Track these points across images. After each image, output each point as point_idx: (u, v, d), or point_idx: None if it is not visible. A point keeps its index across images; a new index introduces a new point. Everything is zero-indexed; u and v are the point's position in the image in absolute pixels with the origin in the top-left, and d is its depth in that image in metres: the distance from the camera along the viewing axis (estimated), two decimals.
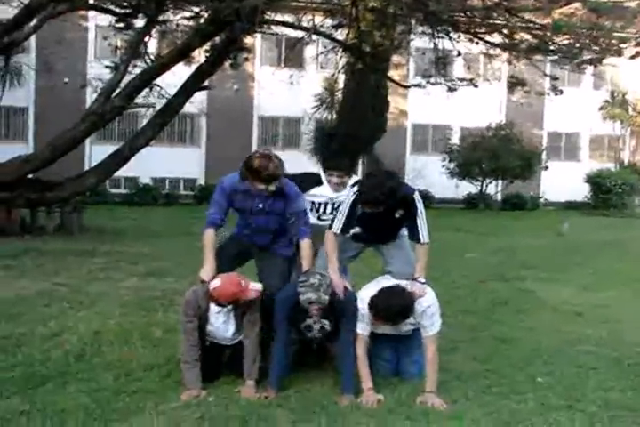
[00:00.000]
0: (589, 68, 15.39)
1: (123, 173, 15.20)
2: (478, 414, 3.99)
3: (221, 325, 4.46)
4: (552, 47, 13.43)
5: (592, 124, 27.14)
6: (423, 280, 4.48)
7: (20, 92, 21.33)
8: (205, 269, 4.52)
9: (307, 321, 4.31)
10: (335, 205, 5.03)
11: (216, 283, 4.33)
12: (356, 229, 4.62)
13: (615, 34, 13.05)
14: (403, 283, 4.43)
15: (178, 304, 6.29)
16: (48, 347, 5.09)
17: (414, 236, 4.54)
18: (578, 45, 12.95)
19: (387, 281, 4.52)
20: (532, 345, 5.61)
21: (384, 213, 4.37)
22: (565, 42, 13.11)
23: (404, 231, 4.69)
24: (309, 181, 5.16)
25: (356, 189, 4.47)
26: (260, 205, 4.65)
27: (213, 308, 4.40)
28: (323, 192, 5.15)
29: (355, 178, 5.27)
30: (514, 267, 10.01)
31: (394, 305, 4.18)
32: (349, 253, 4.85)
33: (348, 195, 4.56)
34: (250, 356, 4.39)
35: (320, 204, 5.13)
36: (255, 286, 4.36)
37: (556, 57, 14.03)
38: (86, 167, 17.00)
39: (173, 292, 7.17)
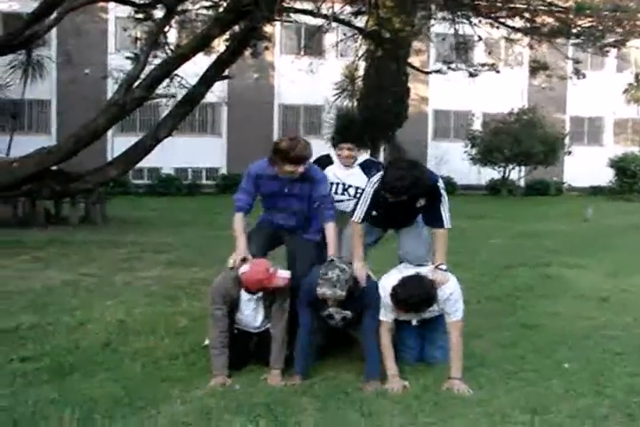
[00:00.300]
0: (613, 51, 15.16)
1: (145, 163, 15.28)
2: (504, 401, 3.98)
3: (251, 312, 4.49)
4: (574, 30, 13.27)
5: (616, 108, 26.84)
6: (445, 267, 4.46)
7: (42, 85, 21.54)
8: (238, 252, 4.55)
9: (328, 310, 4.32)
10: (345, 186, 5.02)
11: (245, 268, 4.35)
12: (374, 213, 4.58)
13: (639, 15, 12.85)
14: (424, 271, 4.42)
15: (202, 293, 6.36)
16: (75, 337, 5.14)
17: (436, 222, 4.50)
18: (601, 28, 12.78)
19: (407, 269, 4.51)
20: (557, 331, 5.57)
21: (406, 202, 4.34)
22: (588, 24, 12.95)
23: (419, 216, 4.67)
24: (320, 162, 5.11)
25: (377, 177, 4.44)
26: (287, 189, 4.68)
27: (244, 295, 4.43)
28: (333, 172, 5.08)
29: (365, 155, 5.23)
30: (538, 253, 9.95)
31: (415, 295, 4.16)
32: (369, 238, 4.84)
33: (369, 183, 4.52)
34: (277, 345, 4.41)
35: (331, 183, 5.06)
36: (283, 274, 4.35)
37: (578, 40, 13.84)
38: (109, 159, 17.09)
39: (198, 281, 7.22)
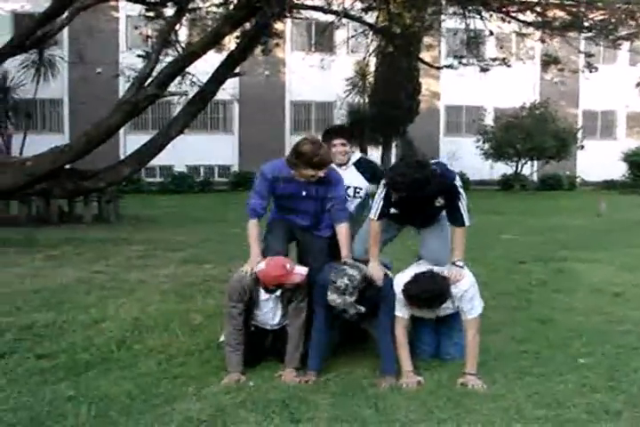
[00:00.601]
0: (625, 44, 15.05)
1: (157, 161, 15.32)
2: (519, 396, 3.97)
3: (269, 310, 4.51)
4: (586, 24, 13.16)
5: (628, 102, 26.70)
6: (461, 264, 4.44)
7: (54, 84, 21.65)
8: (252, 260, 4.52)
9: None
10: (344, 187, 4.97)
11: (262, 266, 4.35)
12: (393, 211, 4.56)
13: None
14: (437, 268, 4.40)
15: (217, 290, 6.38)
16: (90, 334, 5.16)
17: (456, 220, 4.47)
18: (613, 21, 12.67)
19: (422, 266, 4.50)
20: (571, 326, 5.55)
21: (423, 201, 4.30)
22: (600, 17, 12.84)
23: (444, 213, 4.63)
24: None
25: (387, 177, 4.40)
26: (304, 193, 4.63)
27: (262, 295, 4.44)
28: None
29: (357, 154, 5.20)
30: (552, 247, 9.91)
31: (426, 291, 4.15)
32: (387, 234, 4.81)
33: (381, 183, 4.49)
34: (293, 343, 4.42)
35: None
36: (300, 270, 4.35)
37: (590, 33, 13.73)
38: (121, 157, 17.16)
39: (212, 278, 7.23)
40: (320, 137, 4.99)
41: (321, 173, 4.47)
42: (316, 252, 4.77)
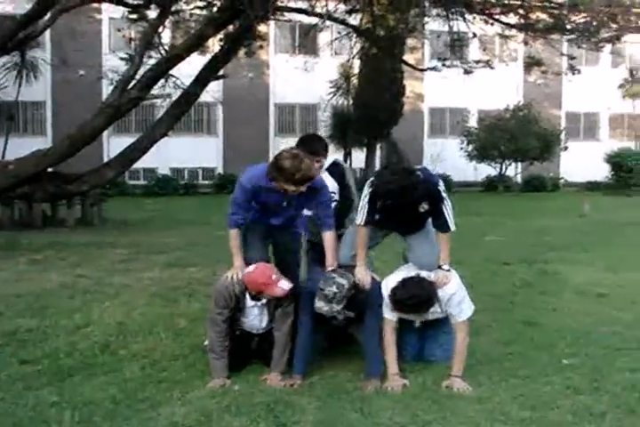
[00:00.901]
0: (607, 47, 15.17)
1: (141, 164, 15.28)
2: (504, 398, 3.98)
3: (255, 317, 4.49)
4: (569, 26, 13.27)
5: (611, 103, 26.89)
6: (447, 267, 4.44)
7: (37, 86, 21.49)
8: (235, 268, 4.47)
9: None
10: None
11: (250, 269, 4.33)
12: (378, 216, 4.54)
13: (634, 10, 12.86)
14: (424, 273, 4.40)
15: (201, 294, 6.36)
16: (74, 339, 5.12)
17: (442, 226, 4.46)
18: (595, 23, 12.78)
19: (409, 270, 4.50)
20: (556, 327, 5.57)
21: (408, 208, 4.29)
22: (582, 20, 12.94)
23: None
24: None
25: (372, 179, 4.39)
26: (285, 203, 4.54)
27: (249, 302, 4.41)
28: None
29: (330, 158, 5.21)
30: (536, 249, 9.94)
31: (414, 296, 4.14)
32: (372, 241, 4.80)
33: (366, 185, 4.47)
34: (279, 348, 4.39)
35: None
36: (284, 285, 4.28)
37: (573, 36, 13.84)
38: (105, 160, 17.08)
39: (196, 282, 7.20)
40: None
41: (302, 189, 4.32)
42: (291, 250, 4.81)
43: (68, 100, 21.70)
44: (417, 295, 4.15)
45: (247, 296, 4.40)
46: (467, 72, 15.64)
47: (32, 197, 12.37)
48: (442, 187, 4.39)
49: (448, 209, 4.42)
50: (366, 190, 4.42)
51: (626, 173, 24.20)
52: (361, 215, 4.45)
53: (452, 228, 4.45)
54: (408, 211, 4.32)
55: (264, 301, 4.41)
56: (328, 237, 4.57)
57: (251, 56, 16.45)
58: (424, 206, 4.34)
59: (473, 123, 25.29)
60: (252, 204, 4.58)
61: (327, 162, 5.15)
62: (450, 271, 4.45)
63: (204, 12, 13.99)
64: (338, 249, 4.64)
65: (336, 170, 5.16)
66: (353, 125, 22.74)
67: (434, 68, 16.20)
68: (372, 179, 4.39)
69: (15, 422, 3.65)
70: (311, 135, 5.79)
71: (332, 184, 4.99)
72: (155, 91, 13.33)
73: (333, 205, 4.94)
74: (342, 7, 14.73)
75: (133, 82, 12.47)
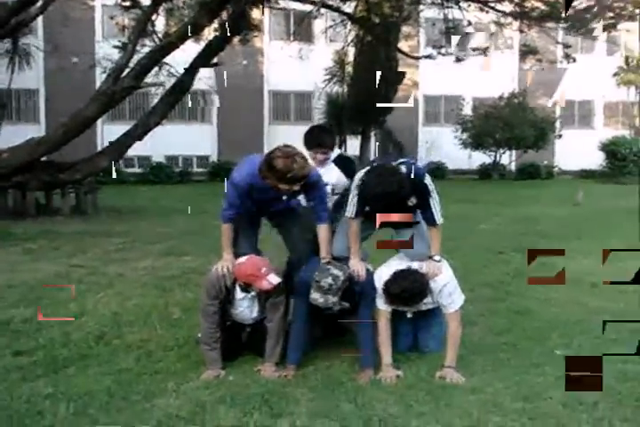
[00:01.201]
0: (603, 35, 15.16)
1: (136, 152, 15.23)
2: (497, 389, 4.01)
3: (246, 308, 4.49)
4: (564, 14, 13.24)
5: (606, 91, 26.86)
6: (438, 258, 4.45)
7: (30, 73, 21.32)
8: (224, 260, 4.47)
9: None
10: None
11: (242, 260, 4.33)
12: (367, 209, 4.53)
13: None
14: (416, 264, 4.41)
15: (195, 284, 6.36)
16: (68, 330, 5.13)
17: (429, 219, 4.47)
18: (590, 13, 12.77)
19: (401, 262, 4.51)
20: (549, 317, 5.61)
21: (396, 203, 4.28)
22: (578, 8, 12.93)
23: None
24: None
25: (362, 174, 4.37)
26: (284, 196, 4.49)
27: (239, 293, 4.41)
28: None
29: (337, 151, 5.20)
30: (530, 238, 9.96)
31: (406, 290, 4.17)
32: (364, 233, 4.80)
33: (355, 179, 4.46)
34: (272, 339, 4.40)
35: None
36: (273, 279, 4.25)
37: (568, 24, 13.84)
38: (99, 148, 17.01)
39: (190, 271, 7.22)
40: (302, 139, 4.96)
41: (296, 188, 4.27)
42: (295, 234, 4.81)
43: (62, 87, 21.59)
44: (409, 289, 4.17)
45: (237, 288, 4.40)
46: (460, 60, 15.62)
47: (26, 185, 12.33)
48: (428, 180, 4.39)
49: (435, 203, 4.42)
50: (354, 184, 4.41)
51: (620, 162, 24.21)
52: (351, 208, 4.45)
53: (439, 221, 4.46)
54: (397, 206, 4.31)
55: (254, 293, 4.41)
56: (322, 229, 4.57)
57: (245, 43, 16.40)
58: (412, 201, 4.35)
59: (468, 111, 25.25)
60: (247, 199, 4.53)
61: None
62: (441, 262, 4.46)
63: None
64: (331, 242, 4.63)
65: (345, 162, 5.11)
66: (347, 113, 22.68)
67: (429, 56, 16.19)
68: (361, 175, 4.37)
69: (10, 414, 3.65)
70: (318, 126, 5.73)
71: (337, 176, 4.98)
72: (148, 78, 13.27)
73: (336, 197, 4.95)
74: None
75: (127, 70, 12.41)
